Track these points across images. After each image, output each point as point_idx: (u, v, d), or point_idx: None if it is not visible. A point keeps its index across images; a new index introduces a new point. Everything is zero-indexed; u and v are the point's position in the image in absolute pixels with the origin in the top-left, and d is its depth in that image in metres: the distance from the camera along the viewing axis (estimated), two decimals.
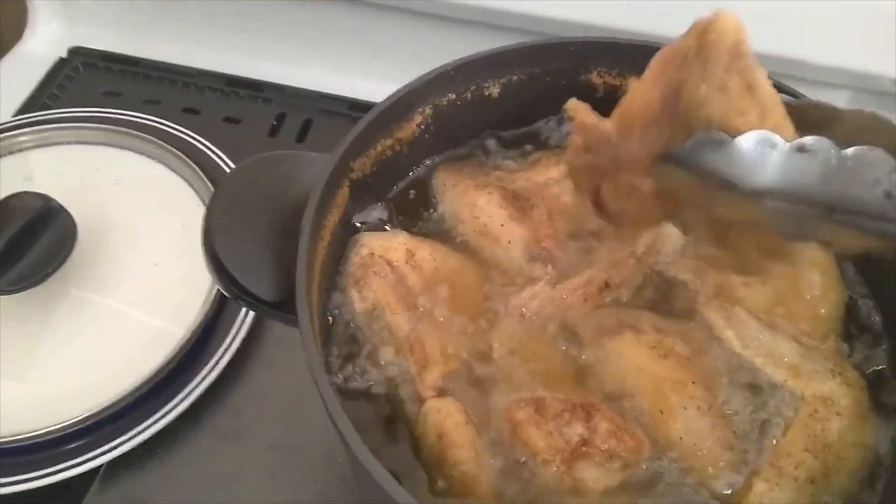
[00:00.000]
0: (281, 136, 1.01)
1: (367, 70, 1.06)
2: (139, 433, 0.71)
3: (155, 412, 0.72)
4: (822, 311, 0.57)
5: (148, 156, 0.91)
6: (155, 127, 0.94)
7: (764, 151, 0.40)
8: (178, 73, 1.07)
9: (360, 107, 1.03)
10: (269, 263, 0.52)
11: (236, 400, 0.76)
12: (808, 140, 0.40)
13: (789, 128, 0.43)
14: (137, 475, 0.71)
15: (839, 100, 0.96)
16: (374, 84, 1.02)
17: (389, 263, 0.58)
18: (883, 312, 0.58)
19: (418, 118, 0.61)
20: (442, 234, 0.62)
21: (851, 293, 0.59)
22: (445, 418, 0.50)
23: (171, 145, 0.90)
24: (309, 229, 0.49)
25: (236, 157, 0.91)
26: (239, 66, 1.07)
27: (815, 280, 0.57)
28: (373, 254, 0.58)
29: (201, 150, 0.91)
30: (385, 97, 0.58)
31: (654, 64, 0.46)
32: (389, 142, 0.60)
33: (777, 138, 0.40)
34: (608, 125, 0.48)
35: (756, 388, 0.52)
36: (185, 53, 1.08)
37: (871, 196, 0.39)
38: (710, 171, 0.41)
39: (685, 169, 0.42)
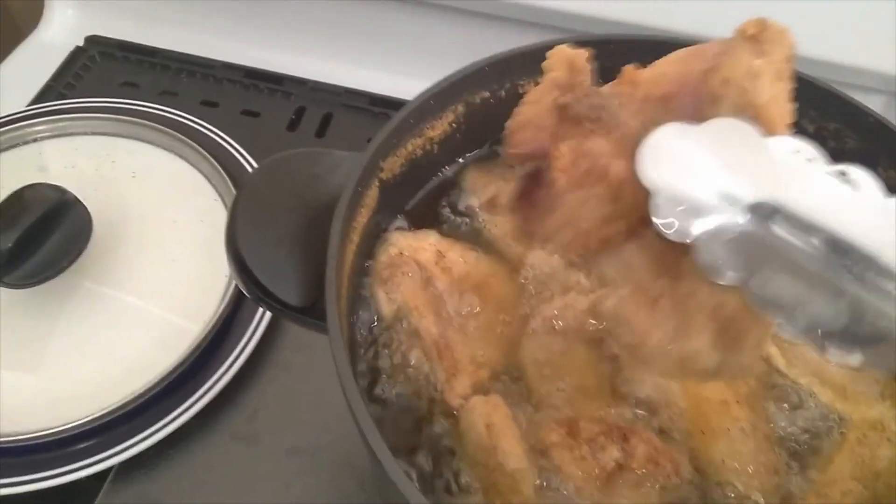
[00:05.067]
0: (300, 131, 0.99)
1: (389, 65, 1.04)
2: (153, 434, 0.69)
3: (169, 412, 0.70)
4: None
5: (165, 148, 0.89)
6: (172, 119, 0.92)
7: (794, 162, 0.34)
8: (196, 64, 1.04)
9: (381, 102, 1.01)
10: (296, 266, 0.50)
11: (252, 401, 0.74)
12: (853, 169, 0.34)
13: None
14: (150, 477, 0.69)
15: (872, 105, 0.93)
16: (396, 79, 1.02)
17: (419, 264, 0.55)
18: None
19: (450, 116, 0.59)
20: (473, 237, 0.60)
21: None
22: (494, 408, 0.48)
23: (189, 138, 0.88)
24: (339, 232, 0.47)
25: (255, 151, 0.89)
26: (259, 58, 1.05)
27: None
28: (402, 253, 0.56)
29: (219, 144, 0.90)
30: (409, 93, 0.56)
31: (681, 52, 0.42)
32: (420, 141, 0.58)
33: (817, 153, 0.34)
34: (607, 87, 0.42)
35: (802, 409, 0.50)
36: (204, 44, 1.06)
37: None
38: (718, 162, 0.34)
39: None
